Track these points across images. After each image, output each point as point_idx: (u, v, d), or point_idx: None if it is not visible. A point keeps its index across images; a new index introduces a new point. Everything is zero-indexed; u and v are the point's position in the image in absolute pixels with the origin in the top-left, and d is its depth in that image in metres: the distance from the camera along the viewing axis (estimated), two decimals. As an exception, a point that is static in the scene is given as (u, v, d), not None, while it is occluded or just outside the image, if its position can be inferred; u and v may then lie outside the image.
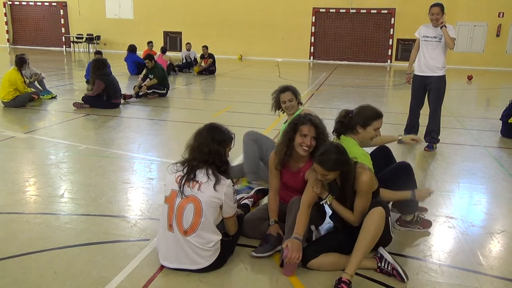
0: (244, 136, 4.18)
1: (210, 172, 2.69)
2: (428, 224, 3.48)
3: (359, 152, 3.21)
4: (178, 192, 2.67)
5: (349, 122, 3.33)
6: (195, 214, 2.65)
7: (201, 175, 2.69)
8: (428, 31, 5.78)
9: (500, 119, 6.80)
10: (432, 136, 5.91)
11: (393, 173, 3.36)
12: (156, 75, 9.41)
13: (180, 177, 2.70)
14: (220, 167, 2.73)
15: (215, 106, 8.98)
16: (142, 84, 9.41)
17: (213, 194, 2.67)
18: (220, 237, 2.76)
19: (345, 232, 2.95)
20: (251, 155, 3.97)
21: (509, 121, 6.59)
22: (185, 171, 2.70)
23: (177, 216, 2.67)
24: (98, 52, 10.75)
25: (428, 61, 5.81)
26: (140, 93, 9.19)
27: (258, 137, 4.11)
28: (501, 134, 6.76)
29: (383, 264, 2.79)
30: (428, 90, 5.94)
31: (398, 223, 3.45)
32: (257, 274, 2.81)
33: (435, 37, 5.71)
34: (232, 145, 2.85)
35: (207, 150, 2.70)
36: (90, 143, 5.84)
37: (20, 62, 8.05)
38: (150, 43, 14.91)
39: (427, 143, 5.88)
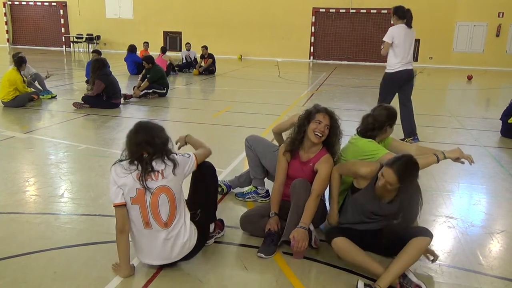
0: (245, 142, 4.10)
1: (165, 158, 2.66)
2: None
3: (383, 150, 3.20)
4: (145, 190, 2.60)
5: (377, 127, 3.30)
6: (170, 202, 2.64)
7: (158, 164, 2.64)
8: None
9: (500, 118, 6.80)
10: None
11: None
12: (150, 77, 9.39)
13: (139, 175, 2.61)
14: (168, 155, 2.70)
15: (215, 106, 8.98)
16: (134, 86, 9.45)
17: (176, 175, 2.66)
18: (189, 215, 2.76)
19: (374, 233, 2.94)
20: (250, 162, 3.94)
21: (509, 121, 6.59)
22: (140, 168, 2.61)
23: (152, 212, 2.62)
24: (96, 51, 10.71)
25: None
26: (141, 93, 9.19)
27: (252, 143, 3.87)
28: (501, 134, 6.76)
29: (405, 282, 2.63)
30: None
31: None
32: (257, 274, 2.81)
33: None
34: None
35: (160, 142, 2.65)
36: (90, 143, 5.84)
37: (19, 62, 8.04)
38: (145, 43, 14.86)
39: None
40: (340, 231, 2.87)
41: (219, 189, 3.91)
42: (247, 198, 3.91)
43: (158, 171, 2.63)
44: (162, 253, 2.69)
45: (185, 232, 2.70)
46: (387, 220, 2.89)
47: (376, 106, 3.46)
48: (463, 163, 3.17)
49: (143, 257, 2.76)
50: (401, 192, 2.78)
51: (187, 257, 2.78)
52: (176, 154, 2.76)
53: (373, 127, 3.28)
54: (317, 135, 3.12)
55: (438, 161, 3.13)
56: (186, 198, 2.92)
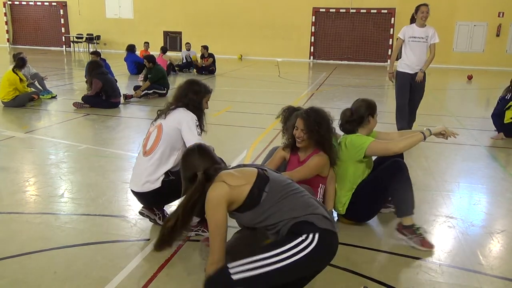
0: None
1: (182, 108, 3.18)
2: (428, 244, 3.13)
3: (369, 139, 3.25)
4: (152, 124, 3.26)
5: (357, 118, 3.40)
6: (157, 136, 3.14)
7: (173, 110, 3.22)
8: (415, 31, 6.16)
9: (492, 117, 6.81)
10: (411, 127, 6.43)
11: (387, 172, 3.24)
12: (151, 77, 9.41)
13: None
14: (193, 111, 3.19)
15: (215, 106, 8.95)
16: (136, 87, 9.49)
17: (175, 120, 3.13)
18: (167, 168, 3.11)
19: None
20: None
21: (505, 121, 6.54)
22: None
23: (145, 140, 3.22)
24: (94, 52, 10.71)
25: (420, 60, 6.24)
26: (142, 94, 9.20)
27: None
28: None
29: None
30: (413, 86, 6.32)
31: (396, 227, 3.25)
32: (257, 274, 2.80)
33: (422, 38, 6.12)
34: (208, 98, 3.33)
35: (184, 96, 3.21)
36: (90, 143, 5.84)
37: (22, 64, 8.03)
38: (146, 43, 14.86)
39: None
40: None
41: None
42: None
43: (167, 114, 3.18)
44: (136, 179, 3.17)
45: (152, 172, 3.09)
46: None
47: (355, 101, 3.56)
48: (446, 138, 3.27)
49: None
50: None
51: (149, 200, 3.20)
52: (197, 121, 3.20)
53: (352, 119, 3.39)
54: (297, 140, 3.25)
55: (424, 138, 3.17)
56: None
